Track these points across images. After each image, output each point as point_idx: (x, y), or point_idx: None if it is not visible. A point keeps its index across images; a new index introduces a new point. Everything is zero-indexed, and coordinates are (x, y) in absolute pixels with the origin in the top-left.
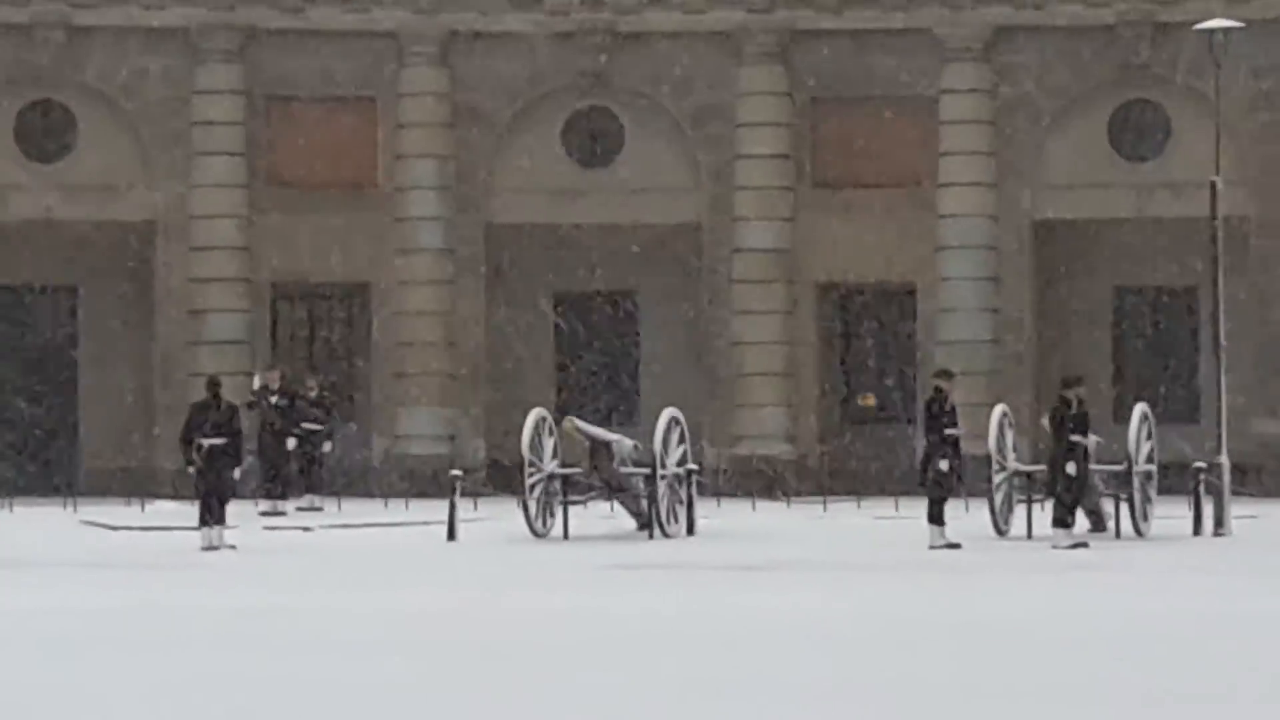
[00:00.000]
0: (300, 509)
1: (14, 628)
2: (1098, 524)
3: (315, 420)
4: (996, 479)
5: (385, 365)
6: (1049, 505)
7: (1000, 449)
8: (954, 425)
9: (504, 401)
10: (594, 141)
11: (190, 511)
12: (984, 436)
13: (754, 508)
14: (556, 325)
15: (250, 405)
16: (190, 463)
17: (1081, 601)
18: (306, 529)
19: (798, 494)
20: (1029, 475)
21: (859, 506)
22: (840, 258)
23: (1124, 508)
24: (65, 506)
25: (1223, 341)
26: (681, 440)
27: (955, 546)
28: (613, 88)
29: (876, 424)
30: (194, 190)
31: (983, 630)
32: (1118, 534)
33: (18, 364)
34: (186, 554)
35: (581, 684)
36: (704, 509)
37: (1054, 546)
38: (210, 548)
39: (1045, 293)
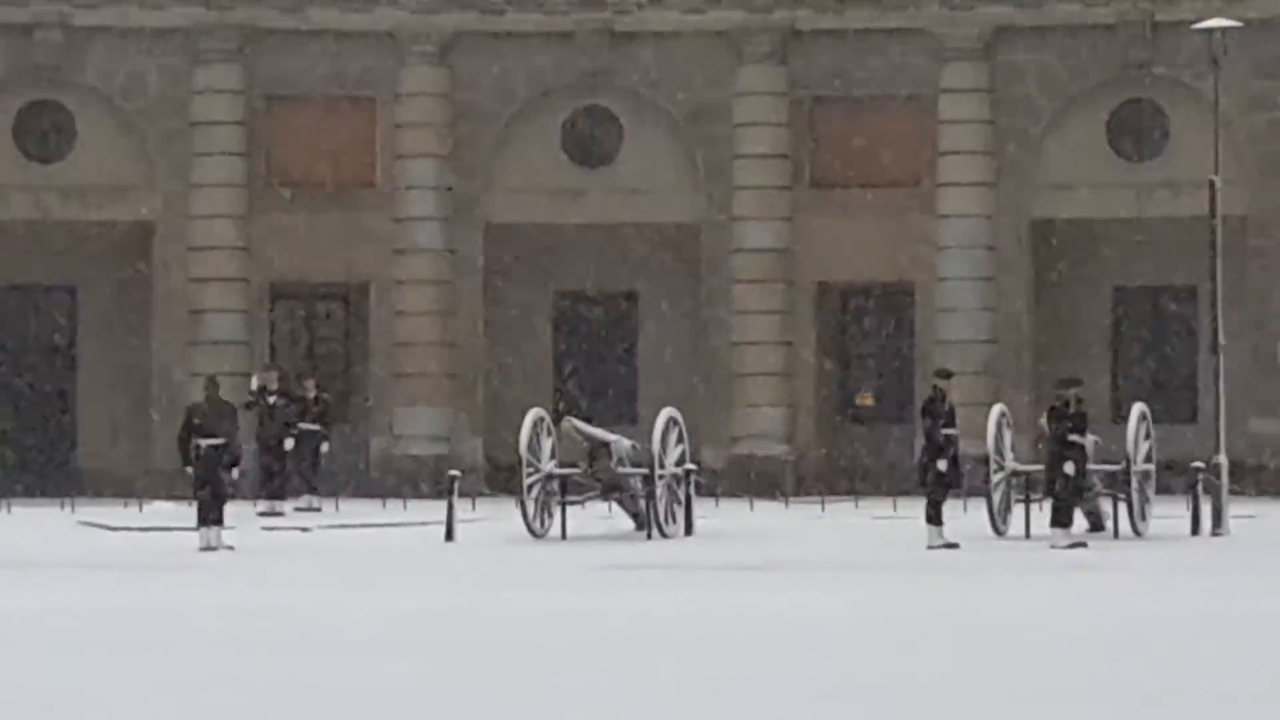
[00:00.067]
0: (298, 509)
1: (13, 628)
2: (1096, 524)
3: (313, 420)
4: (995, 479)
5: (384, 365)
6: (1047, 505)
7: (998, 449)
8: (952, 425)
9: (502, 402)
10: (593, 141)
11: (188, 512)
12: (982, 436)
13: (752, 508)
14: (555, 325)
15: (248, 405)
16: (188, 463)
17: (1080, 601)
18: (305, 529)
19: (796, 494)
20: (1027, 475)
21: (857, 506)
22: (839, 257)
23: (1122, 507)
24: (63, 507)
25: (1221, 341)
26: (680, 440)
27: (953, 546)
28: (612, 87)
29: (875, 424)
30: (193, 190)
31: (981, 630)
32: (1116, 534)
33: (16, 364)
34: (185, 554)
35: (580, 684)
36: (702, 509)
37: (1052, 546)
38: (208, 548)
39: (1044, 292)
